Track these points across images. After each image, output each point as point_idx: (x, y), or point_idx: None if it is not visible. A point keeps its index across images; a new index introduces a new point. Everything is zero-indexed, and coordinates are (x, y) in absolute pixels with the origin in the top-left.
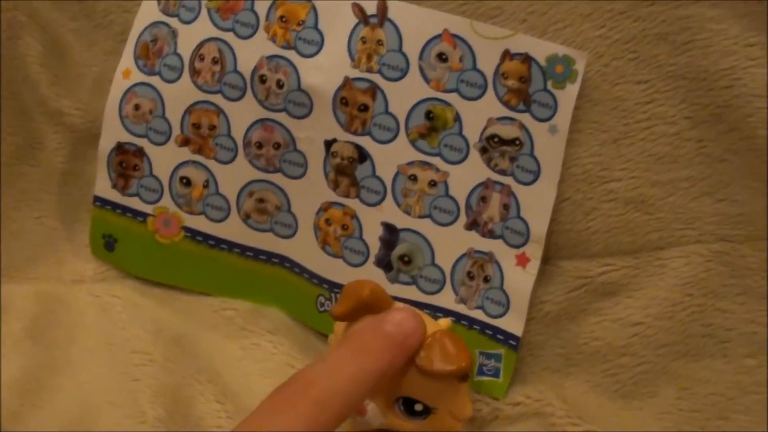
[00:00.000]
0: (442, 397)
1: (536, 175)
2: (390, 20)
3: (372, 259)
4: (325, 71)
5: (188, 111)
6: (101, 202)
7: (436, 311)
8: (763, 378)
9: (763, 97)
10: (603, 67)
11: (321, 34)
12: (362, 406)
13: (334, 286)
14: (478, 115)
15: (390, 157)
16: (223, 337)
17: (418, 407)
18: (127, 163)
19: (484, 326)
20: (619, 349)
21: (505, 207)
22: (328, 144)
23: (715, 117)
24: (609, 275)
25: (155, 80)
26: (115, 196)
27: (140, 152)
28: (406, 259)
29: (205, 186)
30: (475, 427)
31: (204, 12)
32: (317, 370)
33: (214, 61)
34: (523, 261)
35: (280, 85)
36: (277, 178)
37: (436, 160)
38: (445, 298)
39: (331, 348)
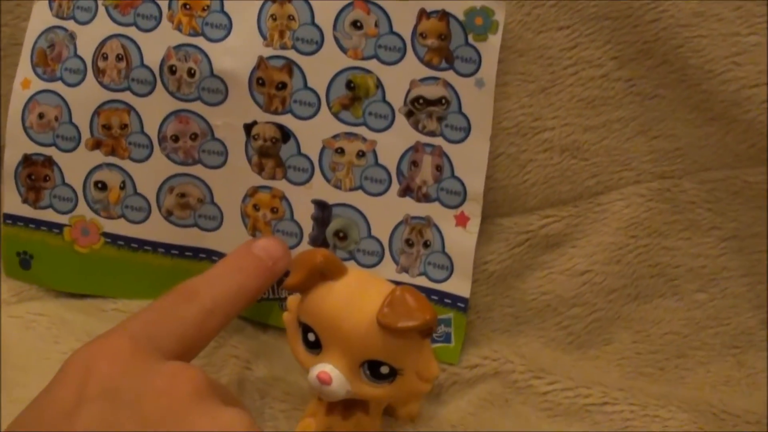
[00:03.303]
0: (407, 356)
1: (467, 132)
2: None
3: (306, 239)
4: (237, 54)
5: (96, 113)
6: (12, 219)
7: None
8: (714, 311)
9: (692, 26)
10: (524, 16)
11: (228, 16)
12: (327, 375)
13: None
14: (400, 78)
15: (314, 132)
16: None
17: (384, 370)
18: (36, 174)
19: (430, 292)
20: (570, 301)
21: (438, 168)
22: (248, 127)
23: (643, 53)
24: (551, 227)
25: (57, 86)
26: (26, 210)
27: (49, 162)
28: (341, 234)
29: (122, 188)
30: (433, 394)
31: (102, 10)
32: (198, 282)
33: (119, 58)
34: (462, 220)
35: (191, 73)
36: (198, 170)
37: (361, 130)
38: (386, 269)
39: (288, 331)
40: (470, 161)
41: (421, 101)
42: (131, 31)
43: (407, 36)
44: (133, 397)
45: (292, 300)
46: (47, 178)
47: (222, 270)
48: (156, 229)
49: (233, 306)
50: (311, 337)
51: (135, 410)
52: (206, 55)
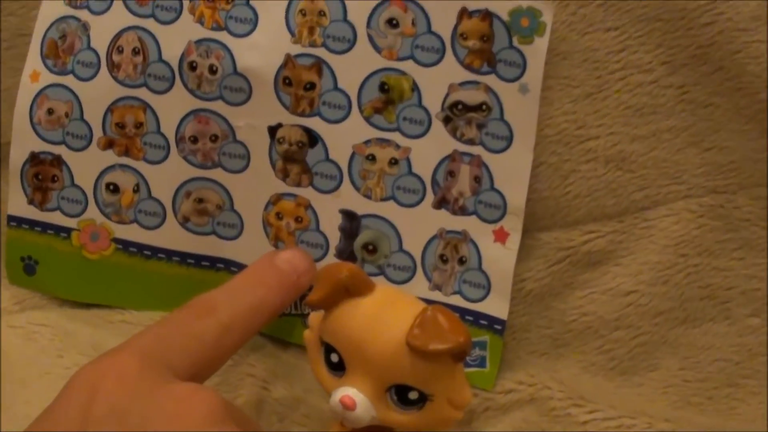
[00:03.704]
0: (438, 381)
1: (508, 141)
2: None
3: (332, 251)
4: (262, 50)
5: (110, 110)
6: (16, 222)
7: None
8: None
9: (750, 31)
10: (569, 16)
11: (254, 10)
12: (350, 400)
13: None
14: (438, 82)
15: (343, 137)
16: None
17: (413, 395)
18: (43, 174)
19: (464, 312)
20: (612, 323)
21: (477, 179)
22: (273, 130)
23: (697, 59)
24: (593, 243)
25: (69, 80)
26: (32, 212)
27: (58, 161)
28: (370, 247)
29: (136, 191)
30: (464, 421)
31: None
32: (216, 296)
33: (135, 52)
34: (501, 236)
35: (213, 70)
36: (217, 174)
37: (395, 136)
38: (418, 286)
39: (309, 350)
40: (511, 173)
41: (459, 107)
42: (149, 23)
43: (447, 36)
44: (142, 421)
45: (314, 317)
46: (55, 178)
47: (242, 283)
48: (171, 236)
49: (253, 322)
50: (334, 357)
51: None
52: (229, 51)
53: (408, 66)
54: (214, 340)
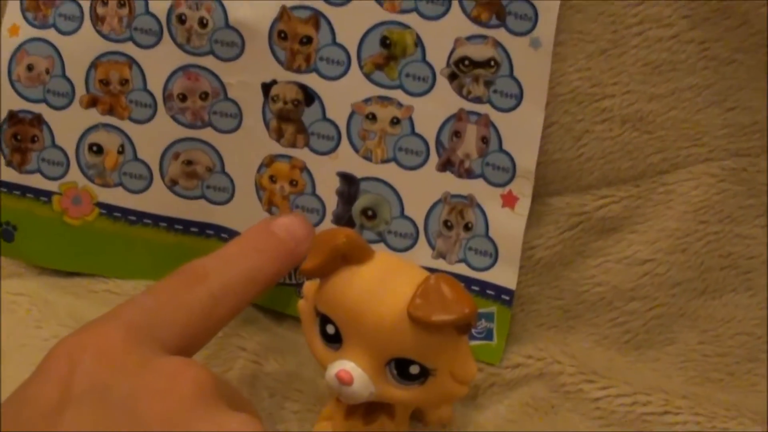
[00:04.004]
0: (441, 354)
1: (518, 99)
2: None
3: (329, 217)
4: (256, 2)
5: (93, 65)
6: None
7: None
8: None
9: None
10: None
11: None
12: (347, 375)
13: None
14: (443, 36)
15: (342, 95)
16: None
17: (414, 369)
18: (23, 134)
19: (470, 282)
20: (627, 293)
21: (484, 140)
22: (267, 87)
23: (719, 13)
24: (608, 209)
25: (50, 34)
26: (10, 175)
27: (38, 120)
28: (370, 213)
29: (121, 152)
30: (469, 397)
31: None
32: (208, 263)
33: (121, 4)
34: (510, 201)
35: (203, 23)
36: (207, 134)
37: (397, 94)
38: (421, 254)
39: (303, 322)
40: (521, 133)
41: (466, 62)
42: None
43: None
44: (126, 398)
45: (309, 286)
46: (35, 138)
47: (236, 250)
48: (158, 200)
49: (247, 292)
50: (330, 329)
51: (127, 414)
52: (221, 3)
53: (411, 19)
54: (205, 311)
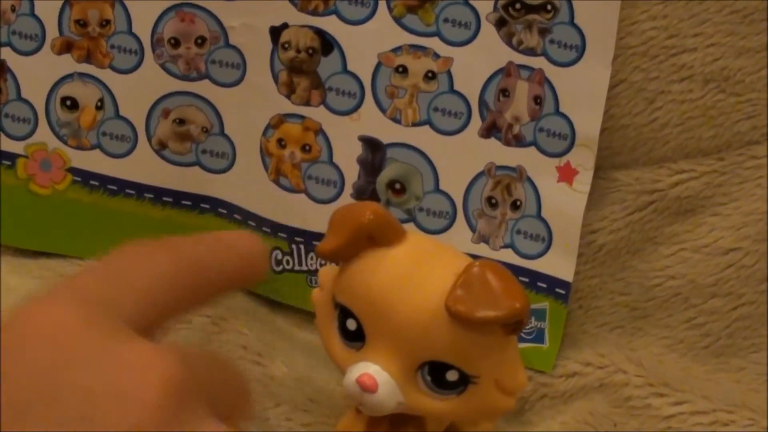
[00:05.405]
0: (484, 359)
1: (579, 51)
2: None
3: (349, 190)
4: None
5: (68, 2)
6: None
7: None
8: None
9: None
10: None
11: None
12: (371, 380)
13: (296, 234)
14: None
15: (366, 42)
16: None
17: (452, 376)
18: None
19: (518, 271)
20: (707, 289)
21: (537, 100)
22: (276, 32)
23: None
24: (685, 186)
25: None
26: None
27: (1, 67)
28: (397, 186)
29: (99, 107)
30: (514, 412)
31: None
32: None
33: None
34: (567, 174)
35: None
36: (203, 88)
37: (433, 42)
38: (458, 237)
39: (318, 315)
40: (582, 93)
41: (517, 6)
42: None
43: None
44: (80, 400)
45: (326, 272)
46: None
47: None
48: (143, 166)
49: (216, 279)
50: (351, 324)
51: (80, 419)
52: None
53: None
54: (170, 277)
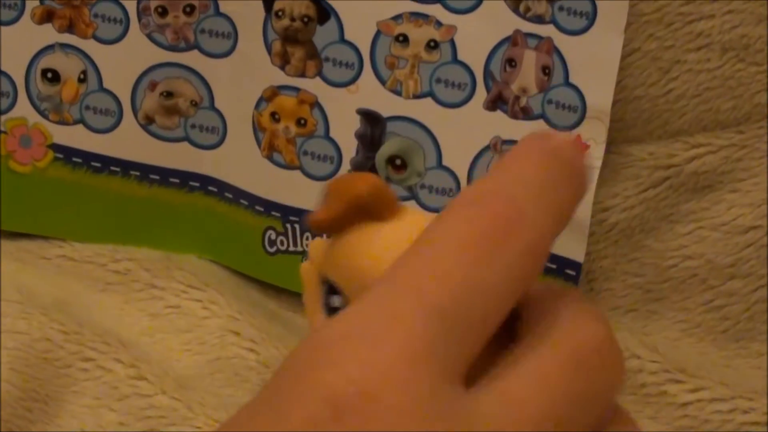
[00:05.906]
0: None
1: (590, 19)
2: None
3: (346, 166)
4: None
5: None
6: None
7: None
8: None
9: None
10: None
11: None
12: None
13: (290, 213)
14: None
15: (365, 10)
16: (122, 301)
17: None
18: None
19: None
20: (726, 270)
21: (546, 71)
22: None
23: None
24: (703, 161)
25: None
26: None
27: None
28: (398, 162)
29: (82, 80)
30: None
31: None
32: (520, 193)
33: None
34: None
35: None
36: (192, 59)
37: (435, 10)
38: None
39: (305, 290)
40: (593, 62)
41: None
42: None
43: None
44: None
45: (316, 245)
46: None
47: (543, 173)
48: (129, 142)
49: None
50: (335, 301)
51: None
52: None
53: None
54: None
